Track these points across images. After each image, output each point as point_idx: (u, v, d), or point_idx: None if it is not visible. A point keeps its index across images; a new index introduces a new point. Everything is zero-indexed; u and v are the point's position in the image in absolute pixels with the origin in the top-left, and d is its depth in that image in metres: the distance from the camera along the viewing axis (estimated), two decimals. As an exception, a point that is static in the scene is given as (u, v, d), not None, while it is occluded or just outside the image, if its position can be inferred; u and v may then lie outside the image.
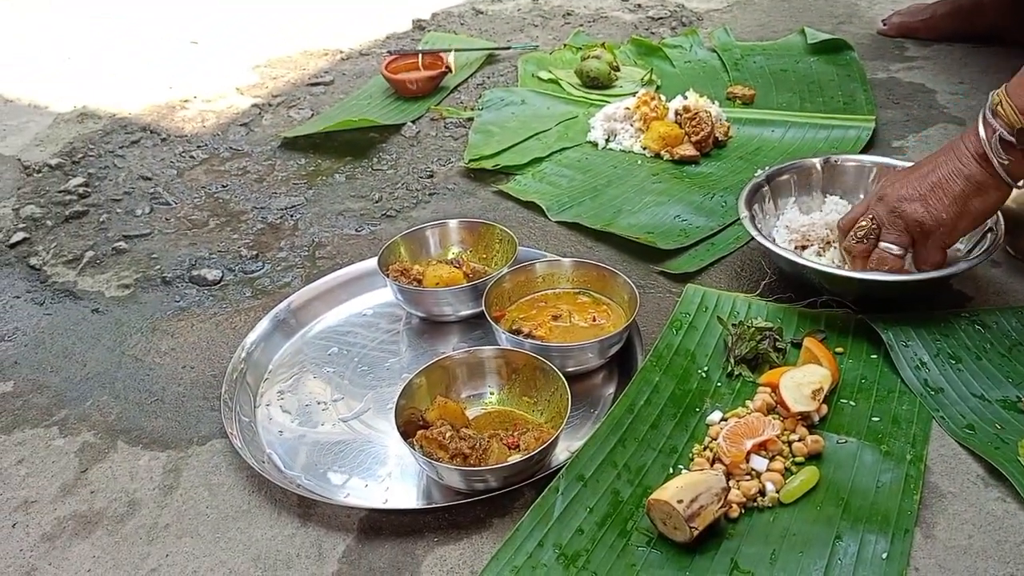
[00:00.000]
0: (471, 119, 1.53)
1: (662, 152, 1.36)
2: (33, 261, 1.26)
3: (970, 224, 0.94)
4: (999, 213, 1.00)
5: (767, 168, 1.24)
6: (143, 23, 2.09)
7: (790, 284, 1.04)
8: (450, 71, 1.62)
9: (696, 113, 1.34)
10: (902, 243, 0.94)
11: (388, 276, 1.05)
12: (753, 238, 1.02)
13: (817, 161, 1.15)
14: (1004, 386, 0.89)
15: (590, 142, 1.43)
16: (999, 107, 0.90)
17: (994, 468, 0.80)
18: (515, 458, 0.79)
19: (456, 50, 1.71)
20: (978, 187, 0.91)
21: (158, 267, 1.23)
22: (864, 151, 1.33)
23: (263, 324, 1.05)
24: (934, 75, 1.55)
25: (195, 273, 1.20)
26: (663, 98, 1.43)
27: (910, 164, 1.01)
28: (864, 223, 0.97)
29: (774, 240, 1.07)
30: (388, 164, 1.43)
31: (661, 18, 1.88)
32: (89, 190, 1.41)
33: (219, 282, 1.19)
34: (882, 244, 0.95)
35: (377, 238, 1.26)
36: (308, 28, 1.98)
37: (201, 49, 1.91)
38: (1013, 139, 0.88)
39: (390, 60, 1.64)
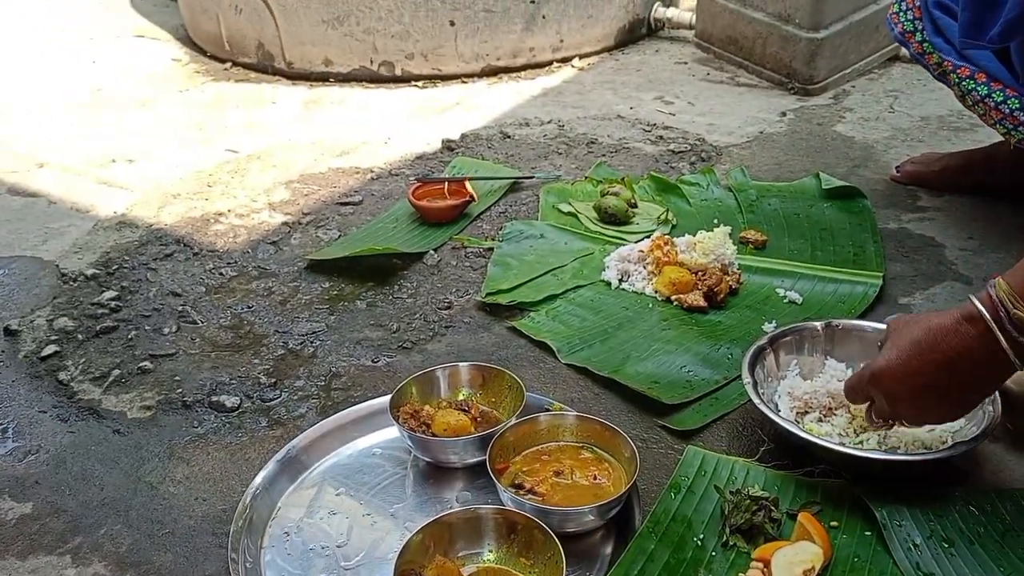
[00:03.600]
0: (491, 249, 1.58)
1: (672, 298, 1.40)
2: (62, 376, 1.31)
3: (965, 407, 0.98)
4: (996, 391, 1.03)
5: (771, 327, 1.28)
6: (183, 126, 2.19)
7: (789, 450, 1.07)
8: (474, 200, 1.68)
9: (706, 267, 1.39)
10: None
11: (399, 421, 1.08)
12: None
13: (819, 325, 1.19)
14: (995, 575, 0.90)
15: (604, 281, 1.48)
16: (999, 295, 0.89)
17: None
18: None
19: (480, 179, 1.77)
20: (988, 372, 0.92)
21: (180, 390, 1.27)
22: (871, 306, 1.37)
23: (272, 465, 1.09)
24: (944, 228, 1.59)
25: (215, 399, 1.25)
26: (676, 242, 1.48)
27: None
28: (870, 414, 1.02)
29: (776, 405, 1.11)
30: (408, 292, 1.48)
31: (682, 152, 1.94)
32: (121, 304, 1.47)
33: (237, 409, 1.23)
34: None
35: (392, 370, 1.30)
36: (342, 142, 2.06)
37: (240, 159, 2.00)
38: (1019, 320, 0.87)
39: (417, 186, 1.70)
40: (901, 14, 1.55)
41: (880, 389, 0.97)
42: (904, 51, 1.78)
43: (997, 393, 1.03)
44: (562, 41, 2.48)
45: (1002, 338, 0.88)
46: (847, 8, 2.19)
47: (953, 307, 0.93)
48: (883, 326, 1.18)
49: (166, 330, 1.40)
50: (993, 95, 1.34)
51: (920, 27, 1.49)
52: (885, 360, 0.96)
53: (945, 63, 1.41)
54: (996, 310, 0.89)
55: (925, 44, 1.48)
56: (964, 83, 1.37)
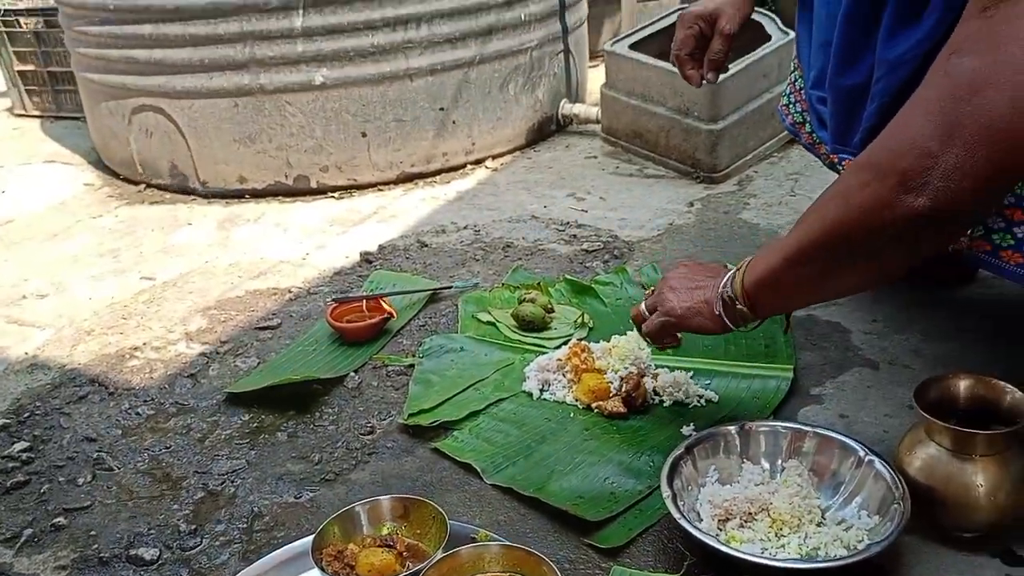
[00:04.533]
0: (412, 366, 1.58)
1: (592, 405, 1.42)
2: (-31, 540, 1.26)
3: (687, 323, 1.24)
4: (904, 486, 1.07)
5: (689, 430, 1.31)
6: (97, 255, 2.17)
7: (713, 562, 1.08)
8: (393, 316, 1.69)
9: (630, 374, 1.42)
10: (649, 309, 1.30)
11: (322, 565, 1.07)
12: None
13: (733, 428, 1.22)
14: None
15: (525, 392, 1.49)
16: (737, 272, 1.15)
17: None
18: None
19: (398, 293, 1.79)
20: (707, 312, 1.21)
21: (96, 546, 1.23)
22: (784, 401, 1.40)
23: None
24: (850, 312, 1.65)
25: (132, 552, 1.21)
26: (593, 348, 1.50)
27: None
28: (648, 291, 1.34)
29: (698, 514, 1.12)
30: (330, 419, 1.47)
31: (595, 250, 1.99)
32: (33, 455, 1.43)
33: (156, 561, 1.20)
34: (642, 304, 1.33)
35: (316, 505, 1.28)
36: (259, 263, 2.06)
37: (155, 287, 1.98)
38: (731, 302, 1.16)
39: (335, 307, 1.71)
40: (790, 106, 1.63)
41: (668, 275, 1.28)
42: (797, 139, 1.86)
43: (907, 488, 1.07)
44: (474, 144, 2.54)
45: (726, 318, 1.18)
46: (742, 99, 2.29)
47: (715, 277, 1.22)
48: (795, 425, 1.22)
49: (80, 480, 1.37)
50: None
51: (807, 118, 1.57)
52: (685, 272, 1.29)
53: (831, 156, 1.49)
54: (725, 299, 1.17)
55: (814, 135, 1.56)
56: (850, 176, 1.44)
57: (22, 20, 3.29)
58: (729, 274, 1.18)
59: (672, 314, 1.25)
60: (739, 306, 1.15)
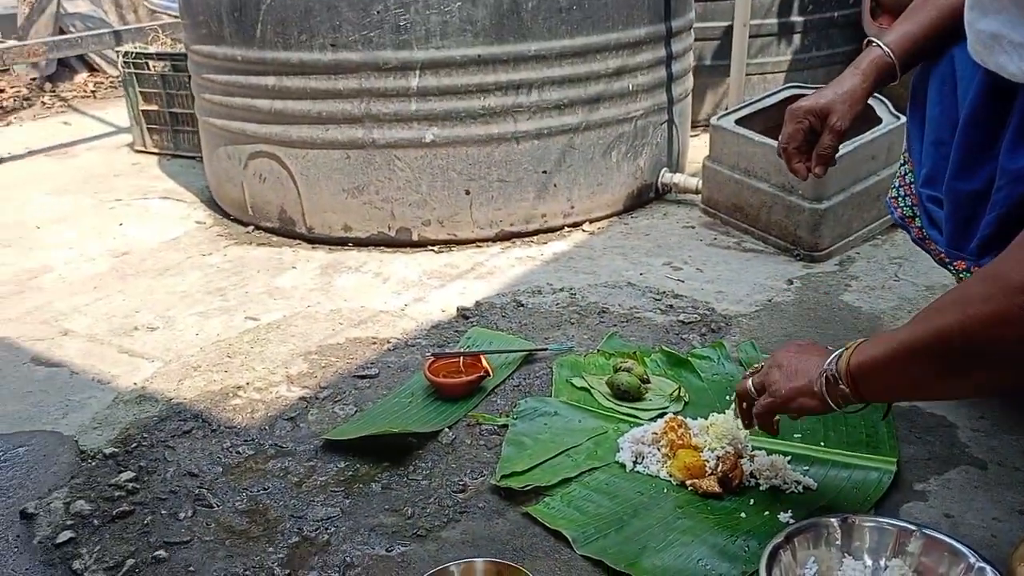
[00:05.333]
0: (505, 426, 1.60)
1: (687, 482, 1.40)
2: (76, 565, 1.31)
3: (790, 406, 1.24)
4: None
5: (787, 517, 1.29)
6: (205, 292, 2.25)
7: (809, 659, 1.05)
8: (489, 374, 1.71)
9: (727, 454, 1.40)
10: (756, 388, 1.30)
11: (413, 624, 1.08)
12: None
13: (835, 520, 1.19)
14: None
15: (618, 463, 1.48)
16: (845, 352, 1.14)
17: None
18: None
19: (495, 351, 1.81)
20: (808, 391, 1.20)
21: (194, 582, 1.27)
22: (886, 495, 1.36)
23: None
24: (955, 406, 1.60)
25: (228, 592, 1.24)
26: (689, 424, 1.49)
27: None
28: (757, 366, 1.34)
29: (795, 608, 1.10)
30: (423, 473, 1.49)
31: (691, 322, 1.98)
32: (138, 486, 1.48)
33: (250, 603, 1.23)
34: (749, 380, 1.32)
35: (407, 561, 1.29)
36: (359, 311, 2.12)
37: (260, 327, 2.04)
38: (833, 380, 1.15)
39: (432, 361, 1.74)
40: (900, 199, 1.61)
41: (779, 353, 1.28)
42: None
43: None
44: (572, 207, 2.57)
45: (828, 396, 1.17)
46: (848, 180, 2.27)
47: (823, 356, 1.20)
48: (901, 522, 1.18)
49: (181, 515, 1.41)
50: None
51: (918, 213, 1.55)
52: (798, 344, 1.30)
53: (942, 255, 1.46)
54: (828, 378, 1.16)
55: (924, 231, 1.53)
56: (961, 275, 1.42)
57: (151, 63, 3.48)
58: (836, 354, 1.16)
59: (777, 395, 1.24)
60: (841, 386, 1.14)
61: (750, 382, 1.32)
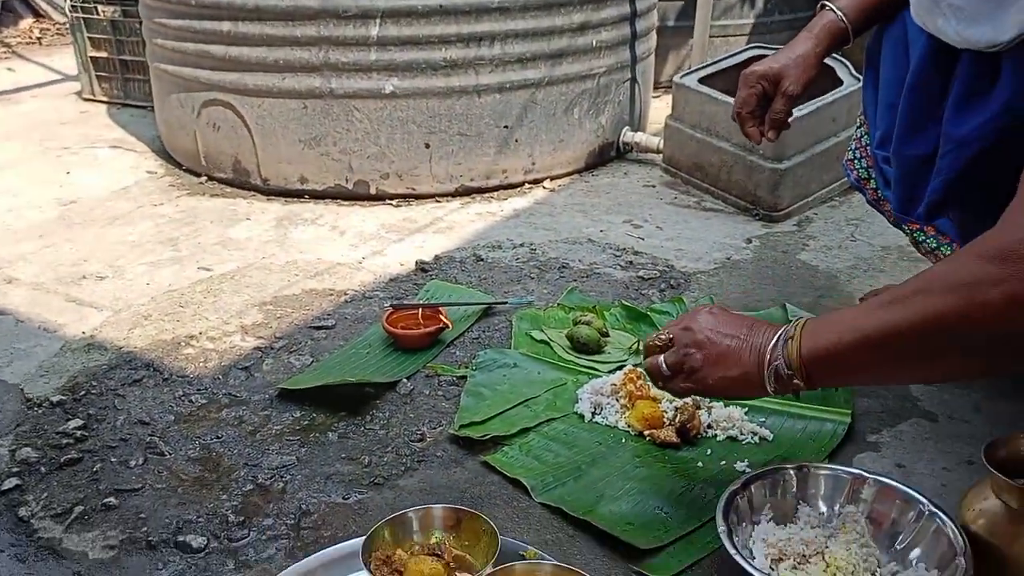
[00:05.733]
0: (464, 377, 1.59)
1: (645, 432, 1.41)
2: (22, 512, 1.28)
3: (720, 395, 1.19)
4: (966, 542, 1.04)
5: (744, 466, 1.30)
6: (157, 242, 2.20)
7: (764, 601, 1.06)
8: (448, 326, 1.70)
9: (685, 405, 1.40)
10: (672, 369, 1.14)
11: (370, 569, 1.07)
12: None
13: (791, 468, 1.20)
14: None
15: (577, 413, 1.48)
16: (791, 340, 1.03)
17: None
18: None
19: (454, 304, 1.79)
20: (746, 382, 1.08)
21: (145, 528, 1.24)
22: (840, 445, 1.38)
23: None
24: (908, 362, 1.63)
25: (180, 538, 1.22)
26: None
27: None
28: (664, 336, 1.16)
29: (751, 552, 1.11)
30: (380, 423, 1.48)
31: (651, 278, 1.98)
32: (86, 433, 1.45)
33: (203, 550, 1.21)
34: (660, 358, 1.15)
35: (363, 508, 1.28)
36: (316, 263, 2.08)
37: (213, 278, 2.00)
38: (785, 374, 1.03)
39: (391, 313, 1.71)
40: (856, 161, 1.61)
41: (691, 335, 1.11)
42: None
43: (967, 543, 1.04)
44: (534, 164, 2.55)
45: (777, 391, 1.06)
46: (808, 141, 2.28)
47: (750, 335, 1.08)
48: (856, 470, 1.20)
49: (132, 463, 1.38)
50: (941, 248, 1.40)
51: (873, 175, 1.55)
52: (713, 312, 1.13)
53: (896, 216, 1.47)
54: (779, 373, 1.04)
55: (879, 192, 1.54)
56: (915, 234, 1.43)
57: (100, 8, 3.36)
58: (778, 340, 1.05)
59: (702, 383, 1.12)
60: (796, 381, 1.04)
61: (662, 361, 1.16)
